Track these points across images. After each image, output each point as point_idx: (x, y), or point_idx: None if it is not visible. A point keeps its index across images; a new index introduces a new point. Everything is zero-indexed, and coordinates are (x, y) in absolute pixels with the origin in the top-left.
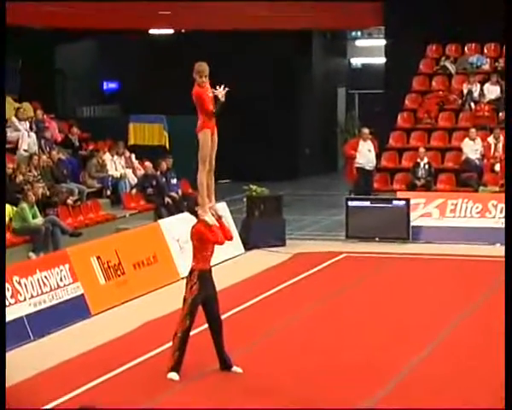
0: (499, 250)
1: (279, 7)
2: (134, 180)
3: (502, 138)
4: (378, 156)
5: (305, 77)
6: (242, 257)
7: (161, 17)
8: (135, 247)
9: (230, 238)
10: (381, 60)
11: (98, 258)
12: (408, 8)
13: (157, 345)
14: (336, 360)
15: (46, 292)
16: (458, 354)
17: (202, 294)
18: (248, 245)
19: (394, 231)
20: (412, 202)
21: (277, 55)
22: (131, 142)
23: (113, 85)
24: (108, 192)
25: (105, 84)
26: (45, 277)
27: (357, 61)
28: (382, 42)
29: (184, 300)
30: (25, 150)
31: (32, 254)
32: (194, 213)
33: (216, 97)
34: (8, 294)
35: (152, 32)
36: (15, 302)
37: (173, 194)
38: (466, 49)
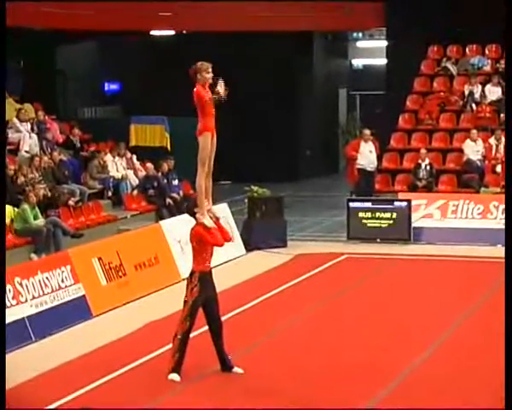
0: (500, 251)
1: (280, 8)
2: (135, 181)
3: (503, 139)
4: (379, 157)
5: (306, 78)
6: (244, 258)
7: (162, 18)
8: (136, 248)
9: (229, 240)
10: (382, 61)
11: (99, 259)
12: (409, 10)
13: (158, 346)
14: (338, 360)
15: (47, 293)
16: (459, 354)
17: (203, 296)
18: (250, 246)
19: (396, 233)
20: (413, 203)
21: (278, 56)
22: (133, 143)
23: (114, 86)
24: (110, 193)
25: (106, 85)
26: (47, 278)
27: (358, 62)
28: (384, 43)
29: (185, 302)
30: (26, 151)
31: (33, 256)
32: (193, 215)
33: (217, 94)
34: (9, 295)
35: (153, 33)
36: (17, 303)
37: (174, 195)
38: (467, 50)
